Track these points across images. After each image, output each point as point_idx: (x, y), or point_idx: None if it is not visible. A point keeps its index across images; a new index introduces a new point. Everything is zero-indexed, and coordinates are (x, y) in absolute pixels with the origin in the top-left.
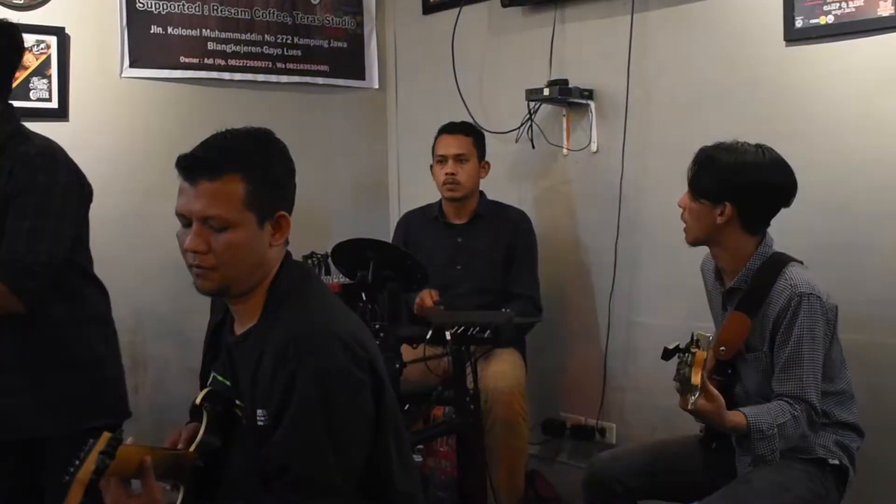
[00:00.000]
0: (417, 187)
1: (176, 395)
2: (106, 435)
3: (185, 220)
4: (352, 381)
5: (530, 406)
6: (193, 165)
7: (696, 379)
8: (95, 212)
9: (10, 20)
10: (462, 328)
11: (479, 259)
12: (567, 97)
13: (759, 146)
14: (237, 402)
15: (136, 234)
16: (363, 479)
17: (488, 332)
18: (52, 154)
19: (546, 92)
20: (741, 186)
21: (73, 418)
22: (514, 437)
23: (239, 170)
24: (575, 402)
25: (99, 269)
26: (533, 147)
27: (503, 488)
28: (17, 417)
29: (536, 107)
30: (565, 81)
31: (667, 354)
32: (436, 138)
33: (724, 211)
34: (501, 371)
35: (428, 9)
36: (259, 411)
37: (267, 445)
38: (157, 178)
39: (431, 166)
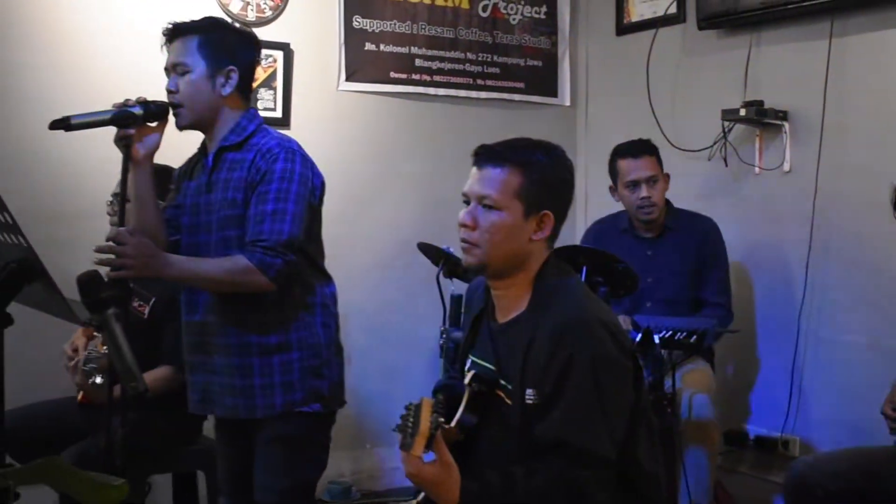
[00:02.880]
0: (603, 201)
1: (376, 388)
2: (427, 400)
3: (466, 199)
4: (620, 366)
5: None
6: (485, 153)
7: None
8: None
9: (246, 27)
10: (669, 332)
11: (669, 271)
12: (762, 118)
13: None
14: (502, 382)
15: (346, 236)
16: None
17: (694, 337)
18: (290, 146)
19: (742, 112)
20: None
21: (288, 402)
22: (705, 443)
23: (520, 164)
24: (759, 414)
25: None
26: (726, 165)
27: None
28: (244, 398)
29: (731, 126)
30: (761, 102)
31: None
32: (615, 160)
33: None
34: (696, 378)
35: (622, 30)
36: (528, 391)
37: (543, 422)
38: (368, 183)
39: (611, 188)
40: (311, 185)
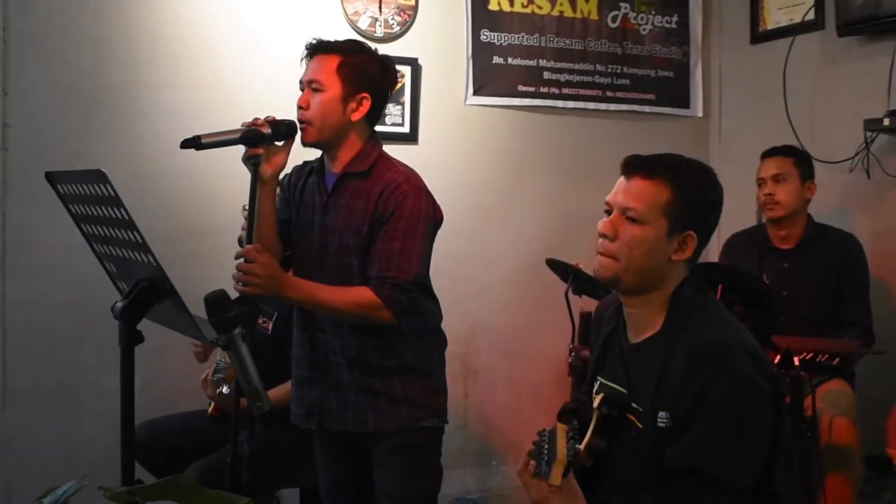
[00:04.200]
0: (738, 215)
1: (502, 405)
2: (562, 426)
3: (609, 208)
4: (760, 392)
5: None
6: (636, 163)
7: None
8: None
9: (388, 56)
10: (811, 355)
11: (806, 285)
12: None
13: None
14: (633, 405)
15: (473, 251)
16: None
17: (837, 359)
18: (417, 182)
19: (885, 122)
20: None
21: (408, 418)
22: (847, 468)
23: (671, 179)
24: None
25: (437, 282)
26: (868, 177)
27: None
28: (366, 413)
29: (873, 136)
30: None
31: None
32: (759, 165)
33: None
34: (836, 400)
35: (757, 38)
36: (661, 414)
37: (675, 446)
38: (495, 198)
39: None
40: (432, 222)
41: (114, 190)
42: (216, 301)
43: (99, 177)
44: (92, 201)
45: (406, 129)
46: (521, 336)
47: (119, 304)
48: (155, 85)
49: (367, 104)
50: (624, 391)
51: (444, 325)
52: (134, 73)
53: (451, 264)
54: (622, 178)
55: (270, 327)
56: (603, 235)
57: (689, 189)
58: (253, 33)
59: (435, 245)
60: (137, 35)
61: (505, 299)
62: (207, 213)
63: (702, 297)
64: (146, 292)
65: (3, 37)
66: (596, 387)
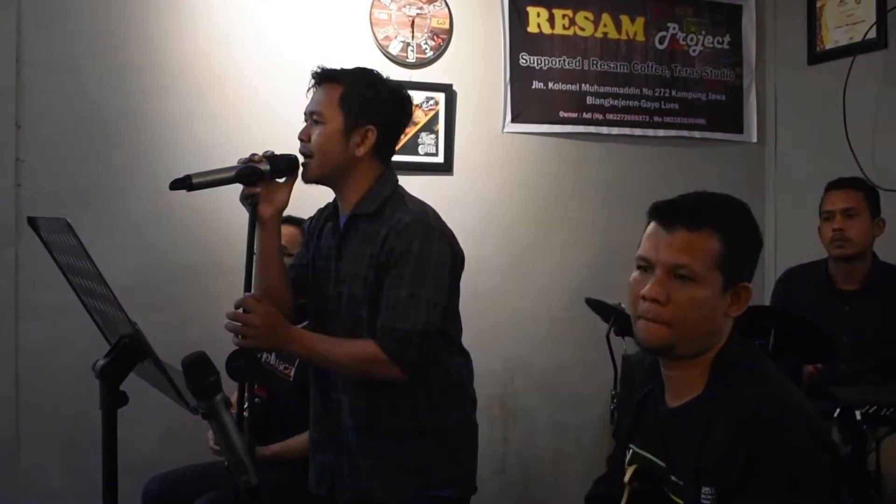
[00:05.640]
0: (796, 246)
1: (544, 450)
2: None
3: (648, 265)
4: (817, 463)
5: None
6: (676, 211)
7: None
8: (472, 263)
9: (403, 87)
10: (874, 408)
11: (870, 331)
12: None
13: None
14: (672, 478)
15: (512, 286)
16: None
17: None
18: (427, 221)
19: None
20: None
21: (419, 486)
22: None
23: (719, 228)
24: None
25: (473, 320)
26: None
27: None
28: (371, 481)
29: None
30: None
31: None
32: (822, 197)
33: None
34: None
35: (814, 58)
36: (705, 489)
37: None
38: (534, 231)
39: (819, 228)
40: (448, 265)
41: (78, 240)
42: (194, 364)
43: (63, 226)
44: (69, 251)
45: (440, 158)
46: (561, 377)
47: (100, 363)
48: (175, 115)
49: (372, 137)
50: (661, 463)
51: (479, 366)
52: (152, 104)
53: (486, 301)
54: (660, 230)
55: (293, 374)
56: (654, 300)
57: (738, 235)
58: (279, 61)
59: (468, 281)
60: (156, 64)
61: (544, 337)
62: (229, 251)
63: (749, 354)
64: (129, 349)
65: (15, 68)
66: (628, 456)
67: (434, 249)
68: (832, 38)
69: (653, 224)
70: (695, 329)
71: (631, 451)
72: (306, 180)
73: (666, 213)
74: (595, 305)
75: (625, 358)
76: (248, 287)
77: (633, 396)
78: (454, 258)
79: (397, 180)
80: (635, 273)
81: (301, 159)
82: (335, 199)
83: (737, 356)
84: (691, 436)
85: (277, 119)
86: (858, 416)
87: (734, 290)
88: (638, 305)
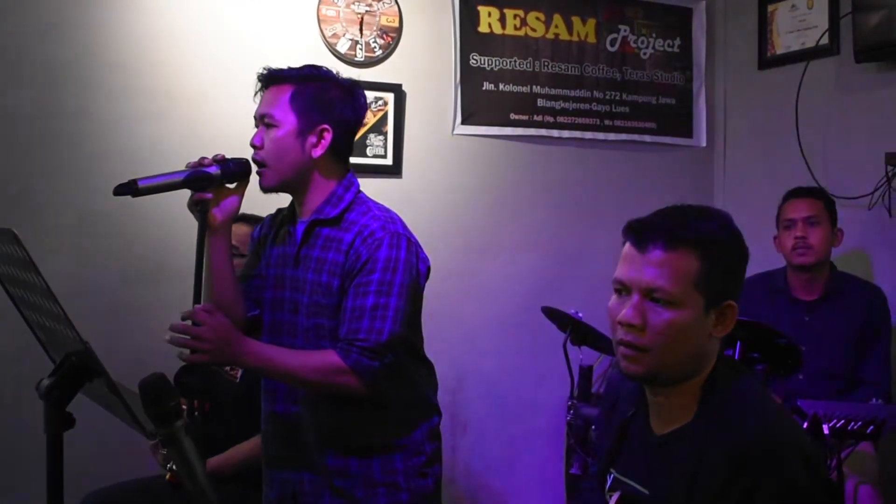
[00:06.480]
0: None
1: (493, 460)
2: None
3: (624, 288)
4: (815, 502)
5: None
6: (649, 231)
7: None
8: None
9: (357, 82)
10: (842, 422)
11: (828, 341)
12: None
13: None
14: None
15: (460, 291)
16: None
17: (871, 427)
18: (395, 228)
19: None
20: None
21: (393, 503)
22: None
23: (697, 246)
24: None
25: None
26: (890, 215)
27: None
28: (339, 499)
29: (894, 171)
30: None
31: None
32: (780, 206)
33: None
34: (860, 464)
35: (765, 63)
36: None
37: None
38: (485, 235)
39: (775, 238)
40: (415, 274)
41: (26, 252)
42: (153, 387)
43: (9, 237)
44: (12, 262)
45: (389, 160)
46: (514, 385)
47: (45, 382)
48: (114, 115)
49: (328, 136)
50: (644, 490)
51: None
52: (90, 102)
53: (436, 306)
54: (633, 251)
55: (239, 374)
56: (629, 326)
57: (718, 251)
58: (221, 58)
59: None
60: (96, 60)
61: (496, 343)
62: (176, 256)
63: (739, 380)
64: (76, 368)
65: None
66: (609, 483)
67: (402, 256)
68: (783, 43)
69: (627, 245)
70: (676, 354)
71: (612, 476)
72: (264, 189)
73: (639, 233)
74: (551, 314)
75: (608, 383)
76: (197, 299)
77: (614, 417)
78: (421, 266)
79: (359, 184)
80: (613, 297)
81: (255, 168)
82: (290, 205)
83: (726, 380)
84: (680, 467)
85: (222, 118)
86: (826, 431)
87: (718, 309)
88: (616, 331)
